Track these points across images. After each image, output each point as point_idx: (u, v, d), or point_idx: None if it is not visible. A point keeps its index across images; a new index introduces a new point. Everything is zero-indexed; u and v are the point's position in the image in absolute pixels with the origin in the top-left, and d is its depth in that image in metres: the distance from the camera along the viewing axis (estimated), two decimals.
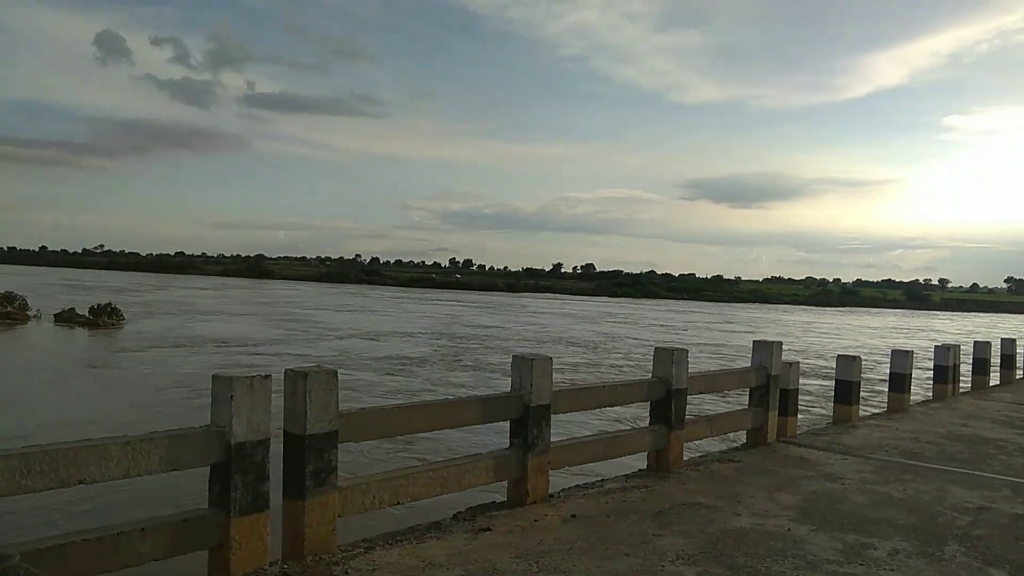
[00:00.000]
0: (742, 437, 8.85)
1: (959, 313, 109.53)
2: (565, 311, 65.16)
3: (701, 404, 13.41)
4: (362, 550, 4.65)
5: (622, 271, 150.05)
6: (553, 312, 63.11)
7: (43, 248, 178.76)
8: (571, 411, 6.21)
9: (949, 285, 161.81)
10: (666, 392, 6.97)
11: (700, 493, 6.25)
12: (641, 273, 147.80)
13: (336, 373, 4.54)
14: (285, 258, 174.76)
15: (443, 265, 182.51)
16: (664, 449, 6.95)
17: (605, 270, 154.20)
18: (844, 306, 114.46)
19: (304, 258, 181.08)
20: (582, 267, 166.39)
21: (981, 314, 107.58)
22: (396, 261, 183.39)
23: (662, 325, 51.27)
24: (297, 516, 4.43)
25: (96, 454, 3.64)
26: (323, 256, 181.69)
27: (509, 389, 5.79)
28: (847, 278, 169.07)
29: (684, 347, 7.30)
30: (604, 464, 7.16)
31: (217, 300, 57.34)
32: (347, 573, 4.28)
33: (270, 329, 35.92)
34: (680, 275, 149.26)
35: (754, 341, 9.03)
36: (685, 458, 7.56)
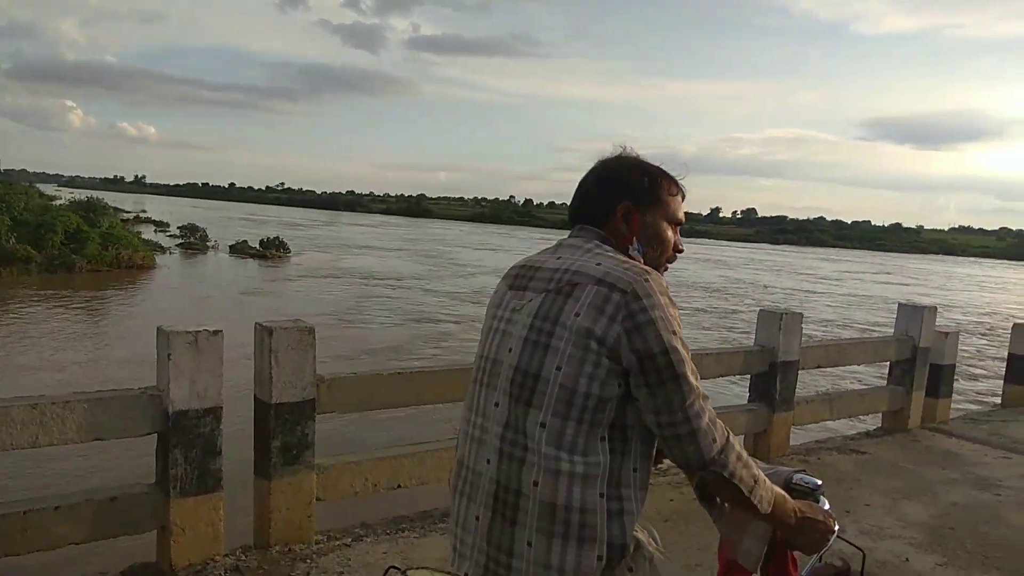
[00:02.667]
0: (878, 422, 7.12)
1: None
2: (709, 257, 61.76)
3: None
4: (348, 542, 3.76)
5: (786, 217, 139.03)
6: (695, 257, 59.97)
7: (232, 185, 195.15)
8: None
9: None
10: (770, 364, 5.50)
11: None
12: (808, 220, 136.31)
13: (312, 330, 3.59)
14: (444, 198, 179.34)
15: None
16: (763, 434, 5.53)
17: (768, 216, 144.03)
18: None
19: (462, 198, 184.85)
20: (742, 212, 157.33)
21: None
22: (549, 203, 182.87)
23: (811, 275, 47.17)
24: (263, 499, 3.60)
25: None
26: (479, 197, 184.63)
27: None
28: None
29: (798, 311, 5.74)
30: None
31: (374, 237, 59.44)
32: (311, 571, 3.41)
33: (413, 265, 36.45)
34: (853, 222, 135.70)
35: (899, 304, 7.21)
36: (797, 443, 6.10)
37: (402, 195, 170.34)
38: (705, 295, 30.80)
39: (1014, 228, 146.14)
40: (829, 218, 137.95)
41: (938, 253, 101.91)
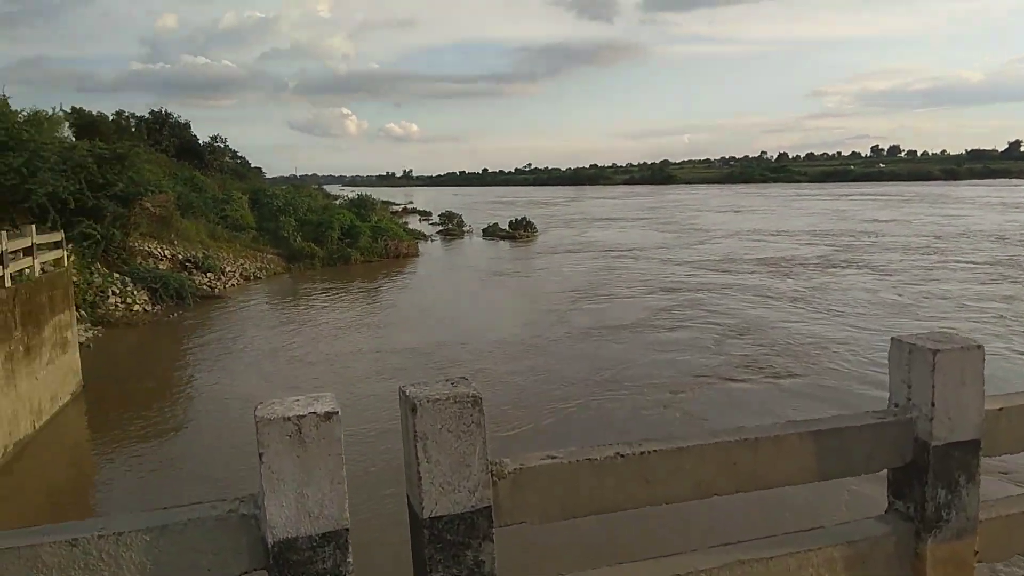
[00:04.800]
0: None
1: None
2: (1001, 199, 51.03)
3: None
4: None
5: None
6: (982, 201, 49.80)
7: (485, 170, 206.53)
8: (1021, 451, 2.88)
9: None
10: None
11: None
12: None
13: (479, 400, 2.14)
14: (688, 162, 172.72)
15: (863, 155, 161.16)
16: None
17: None
18: None
19: (708, 160, 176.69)
20: None
21: None
22: (807, 155, 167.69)
23: None
24: None
25: (21, 564, 1.95)
26: (727, 157, 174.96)
27: (885, 408, 2.76)
28: None
29: None
30: None
31: (616, 208, 58.18)
32: None
33: (654, 234, 34.76)
34: None
35: None
36: None
37: (645, 163, 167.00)
38: (993, 245, 25.23)
39: None
40: None
41: None
